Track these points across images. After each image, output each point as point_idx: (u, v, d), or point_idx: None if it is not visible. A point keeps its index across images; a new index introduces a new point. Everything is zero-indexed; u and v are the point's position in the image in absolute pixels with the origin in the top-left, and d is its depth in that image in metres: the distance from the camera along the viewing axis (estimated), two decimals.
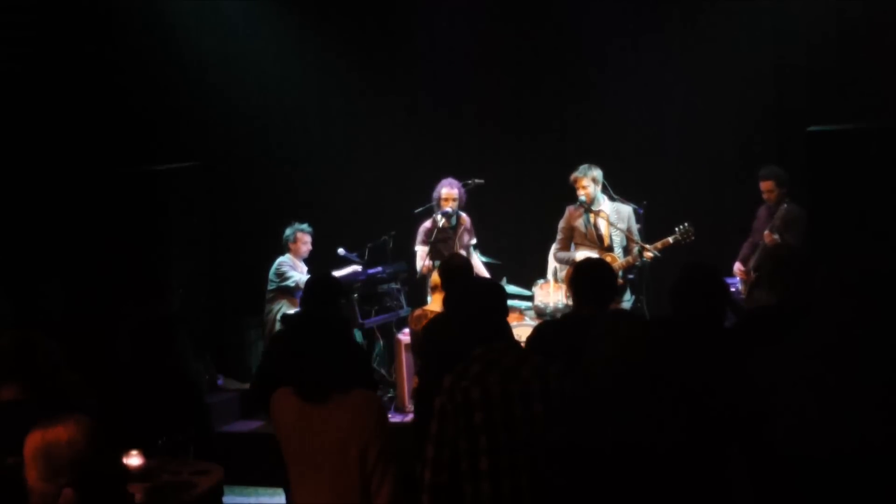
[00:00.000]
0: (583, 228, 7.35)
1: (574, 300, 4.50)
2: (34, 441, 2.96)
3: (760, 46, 8.31)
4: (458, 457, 3.47)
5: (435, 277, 6.20)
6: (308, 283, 5.15)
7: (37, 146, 8.30)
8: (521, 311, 7.87)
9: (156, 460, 4.24)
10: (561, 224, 7.50)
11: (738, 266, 7.70)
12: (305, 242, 8.11)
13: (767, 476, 4.11)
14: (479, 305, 3.69)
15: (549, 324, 5.04)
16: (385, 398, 7.69)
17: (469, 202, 7.94)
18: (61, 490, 2.91)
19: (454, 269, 5.33)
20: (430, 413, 3.60)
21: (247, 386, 8.33)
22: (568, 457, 3.16)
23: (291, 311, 7.64)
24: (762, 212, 7.59)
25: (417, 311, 6.15)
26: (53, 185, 8.24)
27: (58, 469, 2.92)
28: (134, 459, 4.07)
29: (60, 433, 2.94)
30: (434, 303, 6.11)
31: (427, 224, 7.80)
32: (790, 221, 7.29)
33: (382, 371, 8.23)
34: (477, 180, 8.02)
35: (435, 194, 7.74)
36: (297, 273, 7.97)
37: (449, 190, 7.69)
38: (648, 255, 7.05)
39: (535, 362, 3.60)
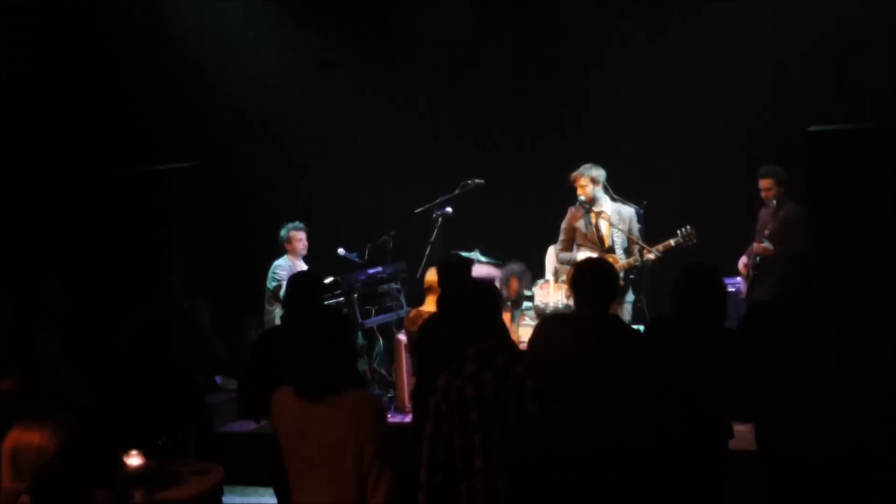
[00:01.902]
0: (584, 229, 7.34)
1: (575, 299, 4.50)
2: (10, 439, 2.93)
3: (760, 46, 8.32)
4: (453, 455, 3.48)
5: (428, 278, 6.21)
6: (289, 281, 5.11)
7: (38, 146, 8.31)
8: (520, 311, 7.87)
9: (156, 460, 4.24)
10: (563, 225, 7.50)
11: (743, 260, 7.68)
12: (301, 240, 8.07)
13: (767, 476, 4.11)
14: (472, 305, 3.69)
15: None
16: (385, 398, 7.69)
17: (469, 202, 7.95)
18: (20, 495, 2.87)
19: (451, 269, 5.33)
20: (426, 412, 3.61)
21: None
22: (541, 462, 3.17)
23: None
24: (762, 212, 7.59)
25: (412, 312, 6.16)
26: (54, 184, 8.24)
27: (21, 472, 2.87)
28: (134, 459, 4.07)
29: (34, 437, 2.89)
30: (428, 304, 6.12)
31: None
32: (790, 221, 7.29)
33: (382, 371, 8.23)
34: (477, 180, 8.02)
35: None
36: None
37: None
38: (650, 256, 7.05)
39: (529, 361, 3.60)
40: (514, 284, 7.53)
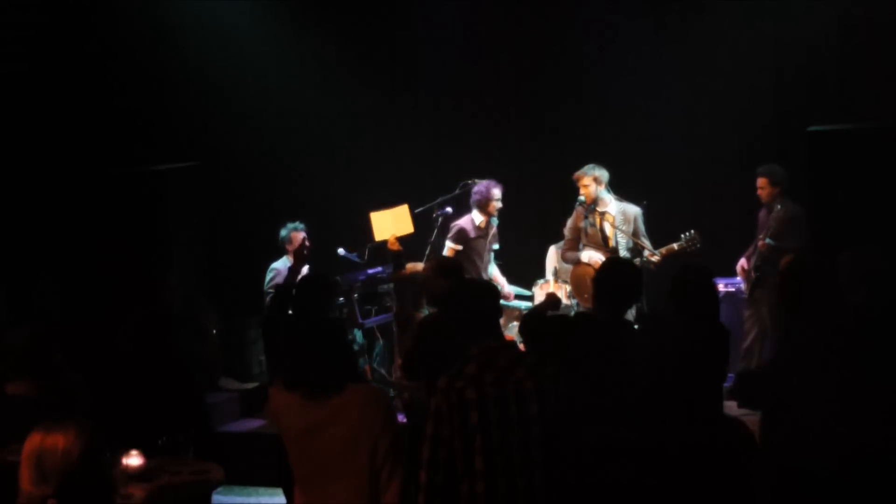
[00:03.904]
0: (587, 229, 7.33)
1: (593, 299, 4.48)
2: (32, 443, 2.93)
3: (761, 47, 8.32)
4: (454, 457, 3.47)
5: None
6: (300, 282, 5.11)
7: (37, 146, 8.30)
8: (521, 311, 7.86)
9: (156, 460, 4.24)
10: (569, 224, 7.47)
11: (742, 262, 7.68)
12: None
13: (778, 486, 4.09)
14: (472, 305, 3.69)
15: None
16: None
17: (469, 202, 7.95)
18: (47, 500, 2.87)
19: (447, 270, 5.33)
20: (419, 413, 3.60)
21: (247, 386, 8.33)
22: (604, 456, 3.16)
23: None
24: (762, 213, 7.58)
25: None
26: (53, 185, 8.23)
27: (47, 476, 2.87)
28: (134, 459, 4.07)
29: (58, 440, 2.90)
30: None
31: (466, 224, 7.71)
32: (787, 221, 7.28)
33: (382, 371, 8.22)
34: (477, 180, 8.01)
35: (483, 195, 7.65)
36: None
37: (500, 193, 7.68)
38: (653, 259, 7.04)
39: (530, 362, 3.60)
40: None
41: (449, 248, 7.70)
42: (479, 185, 7.69)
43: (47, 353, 4.23)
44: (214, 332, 8.38)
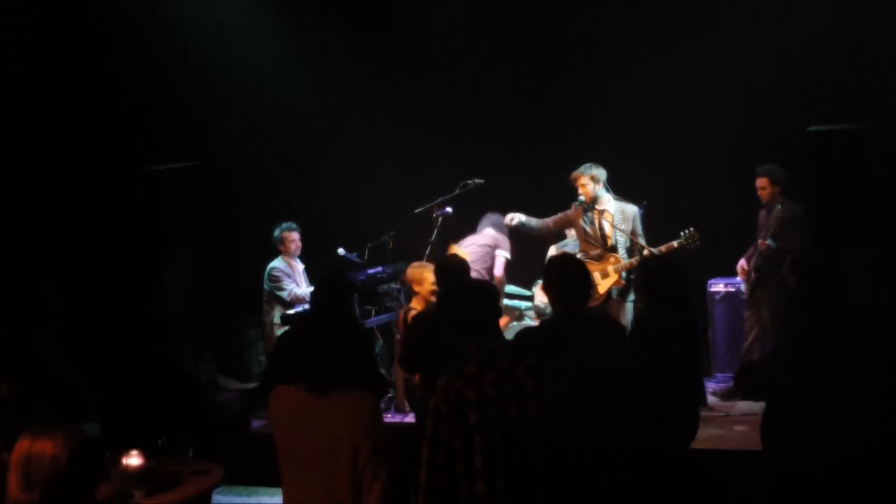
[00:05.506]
0: (585, 227, 7.32)
1: (566, 300, 4.39)
2: (21, 448, 2.91)
3: (761, 46, 8.32)
4: (453, 457, 3.47)
5: (409, 275, 6.20)
6: (320, 281, 5.12)
7: (36, 146, 8.30)
8: (521, 311, 7.86)
9: (156, 460, 4.24)
10: (567, 212, 7.43)
11: (742, 262, 7.68)
12: (294, 240, 8.05)
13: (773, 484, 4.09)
14: (472, 305, 3.69)
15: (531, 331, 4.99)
16: (385, 398, 7.68)
17: (469, 202, 7.95)
18: None
19: (450, 270, 5.33)
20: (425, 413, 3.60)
21: (247, 386, 8.34)
22: (603, 456, 3.16)
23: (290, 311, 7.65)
24: (762, 213, 7.59)
25: (402, 313, 6.16)
26: (53, 185, 8.23)
27: (33, 482, 2.86)
28: (134, 459, 4.07)
29: (46, 447, 2.88)
30: (415, 302, 6.09)
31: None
32: (786, 221, 7.29)
33: (382, 371, 8.22)
34: (477, 180, 8.02)
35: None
36: (291, 283, 7.88)
37: None
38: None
39: (529, 362, 3.60)
40: None
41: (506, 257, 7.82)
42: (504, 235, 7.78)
43: (21, 356, 4.20)
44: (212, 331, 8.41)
